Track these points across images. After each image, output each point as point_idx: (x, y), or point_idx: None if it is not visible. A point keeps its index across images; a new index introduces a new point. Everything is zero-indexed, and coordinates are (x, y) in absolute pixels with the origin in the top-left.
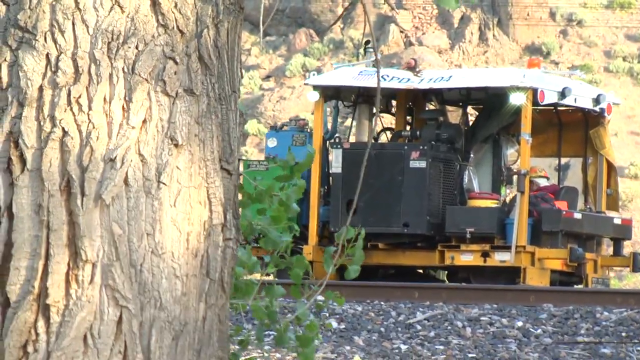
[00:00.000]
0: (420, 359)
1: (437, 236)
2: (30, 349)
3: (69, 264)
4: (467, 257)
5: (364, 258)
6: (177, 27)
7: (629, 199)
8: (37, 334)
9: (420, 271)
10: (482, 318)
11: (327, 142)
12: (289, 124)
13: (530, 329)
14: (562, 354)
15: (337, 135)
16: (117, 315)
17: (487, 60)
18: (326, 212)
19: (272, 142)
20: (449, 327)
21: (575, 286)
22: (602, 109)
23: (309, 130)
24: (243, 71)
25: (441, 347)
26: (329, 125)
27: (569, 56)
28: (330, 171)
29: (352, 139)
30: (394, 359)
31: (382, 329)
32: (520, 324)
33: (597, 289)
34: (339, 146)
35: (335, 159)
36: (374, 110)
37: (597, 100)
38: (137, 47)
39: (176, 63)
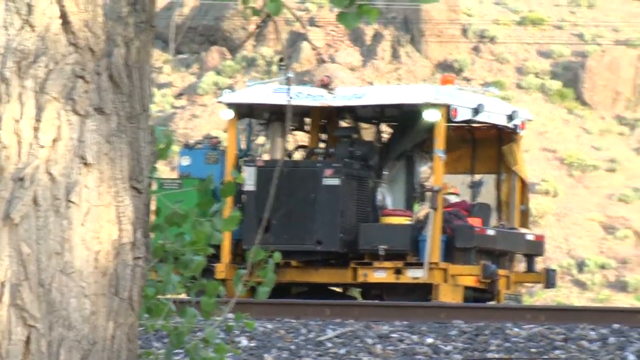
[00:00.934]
0: None
1: (350, 253)
2: None
3: None
4: (380, 274)
5: (274, 279)
6: (88, 45)
7: (540, 215)
8: None
9: (339, 290)
10: (393, 335)
11: (240, 160)
12: (203, 142)
13: (440, 346)
14: None
15: (250, 153)
16: (25, 335)
17: (400, 77)
18: (239, 230)
19: (186, 161)
20: (360, 344)
21: (488, 303)
22: (515, 126)
23: (222, 149)
24: (154, 89)
25: None
26: (242, 144)
27: (481, 73)
28: (244, 189)
29: (266, 157)
30: None
31: (293, 347)
32: (430, 340)
33: (508, 305)
34: (252, 164)
35: (249, 176)
36: (287, 127)
37: (510, 117)
38: (47, 66)
39: (86, 82)
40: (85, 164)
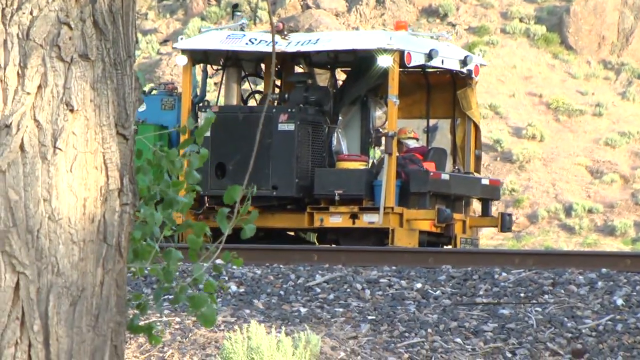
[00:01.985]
0: (320, 322)
1: (306, 198)
2: None
3: None
4: (336, 219)
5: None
6: None
7: (527, 159)
8: None
9: (292, 233)
10: (381, 280)
11: (196, 106)
12: (158, 88)
13: (429, 291)
14: (461, 315)
15: (205, 99)
16: (14, 282)
17: (385, 22)
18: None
19: (141, 107)
20: (348, 290)
21: (445, 247)
22: (469, 71)
23: (177, 94)
24: (139, 36)
25: (341, 310)
26: (198, 89)
27: (466, 18)
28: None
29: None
30: (294, 321)
31: (282, 292)
32: (419, 285)
33: (497, 250)
34: (207, 110)
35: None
36: (243, 74)
37: (464, 62)
38: (31, 13)
39: (71, 28)
40: (72, 110)
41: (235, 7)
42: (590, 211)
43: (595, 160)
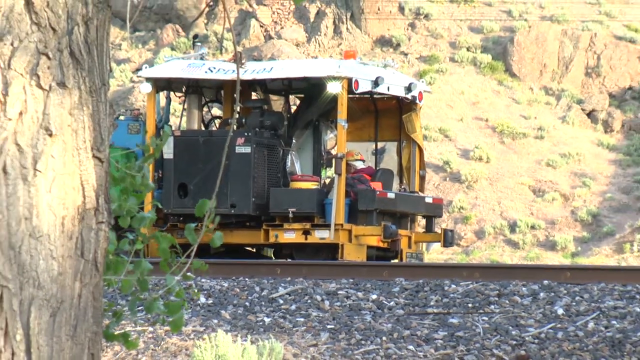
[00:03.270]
0: (283, 331)
1: (262, 216)
2: None
3: None
4: (290, 235)
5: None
6: (50, 24)
7: (474, 179)
8: None
9: (252, 250)
10: (340, 292)
11: (160, 130)
12: (124, 114)
13: (384, 301)
14: (414, 324)
15: (168, 123)
16: None
17: (342, 52)
18: (159, 195)
19: None
20: (309, 301)
21: (392, 261)
22: (414, 97)
23: (142, 120)
24: (113, 65)
25: (302, 319)
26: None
27: (417, 47)
28: (163, 157)
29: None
30: (259, 331)
31: (247, 303)
32: (374, 296)
33: (446, 264)
34: (165, 125)
35: (167, 145)
36: (203, 100)
37: (409, 89)
38: (12, 44)
39: (49, 58)
40: (50, 135)
41: (195, 37)
42: (533, 227)
43: (538, 179)
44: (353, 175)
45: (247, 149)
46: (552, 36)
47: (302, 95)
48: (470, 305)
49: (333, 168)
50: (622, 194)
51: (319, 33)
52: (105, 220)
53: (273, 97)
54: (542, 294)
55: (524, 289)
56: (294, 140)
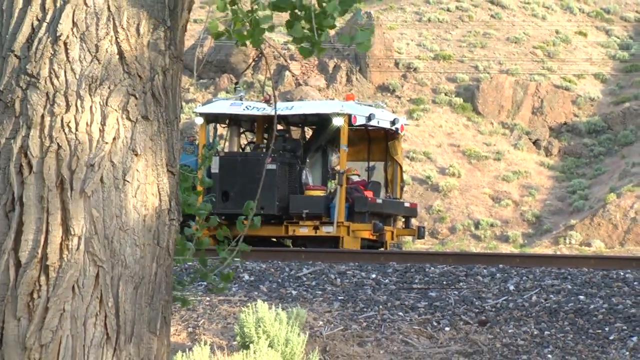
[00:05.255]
0: (306, 301)
1: (283, 215)
2: (35, 295)
3: (62, 237)
4: (303, 230)
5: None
6: (137, 73)
7: (449, 189)
8: (39, 286)
9: (275, 240)
10: (348, 272)
11: (209, 151)
12: (184, 140)
13: (381, 279)
14: (403, 296)
15: (215, 146)
16: (95, 272)
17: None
18: (208, 200)
19: None
20: (325, 279)
21: (381, 249)
22: (397, 128)
23: (196, 144)
24: (183, 104)
25: (320, 292)
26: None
27: (408, 92)
28: (211, 172)
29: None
30: (288, 300)
31: (279, 280)
32: (374, 276)
33: (428, 251)
34: (217, 155)
35: (214, 163)
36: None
37: (393, 122)
38: (109, 87)
39: (136, 98)
40: (136, 154)
41: (236, 84)
42: (491, 225)
43: (496, 190)
44: (351, 186)
45: (274, 166)
46: (507, 85)
47: (314, 127)
48: (444, 282)
49: (336, 180)
50: (558, 201)
51: (335, 81)
52: (176, 218)
53: (293, 128)
54: (498, 275)
55: (484, 270)
56: (307, 160)
